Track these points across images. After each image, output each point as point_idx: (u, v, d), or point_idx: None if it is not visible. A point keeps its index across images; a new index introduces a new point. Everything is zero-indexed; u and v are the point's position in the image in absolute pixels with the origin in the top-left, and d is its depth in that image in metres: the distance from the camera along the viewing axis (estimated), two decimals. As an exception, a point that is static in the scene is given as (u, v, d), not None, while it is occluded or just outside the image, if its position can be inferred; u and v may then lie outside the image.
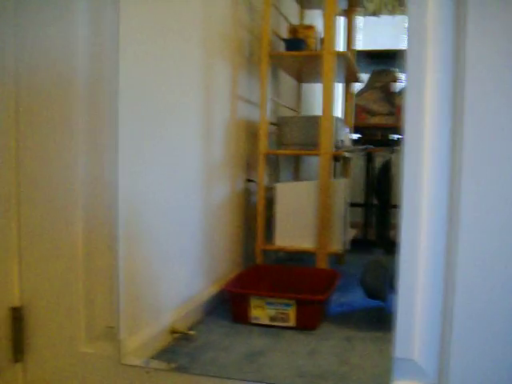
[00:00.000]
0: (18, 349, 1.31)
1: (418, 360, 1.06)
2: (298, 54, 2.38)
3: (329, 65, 2.25)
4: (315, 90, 3.57)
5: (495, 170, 0.97)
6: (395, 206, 2.53)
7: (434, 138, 1.02)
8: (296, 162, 3.20)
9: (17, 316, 1.29)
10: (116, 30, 1.20)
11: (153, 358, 1.52)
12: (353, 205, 2.86)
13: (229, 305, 1.92)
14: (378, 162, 3.32)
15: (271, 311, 1.80)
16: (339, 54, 2.34)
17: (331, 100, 2.27)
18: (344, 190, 2.36)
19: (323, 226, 2.27)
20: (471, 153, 0.98)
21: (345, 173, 3.03)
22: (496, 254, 0.99)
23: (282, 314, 1.79)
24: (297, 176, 3.18)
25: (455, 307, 1.01)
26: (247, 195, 2.46)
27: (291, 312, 1.78)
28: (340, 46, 2.63)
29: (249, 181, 2.45)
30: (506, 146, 0.96)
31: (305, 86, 3.27)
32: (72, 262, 1.26)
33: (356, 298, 2.19)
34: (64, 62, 1.21)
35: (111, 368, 1.28)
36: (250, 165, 2.46)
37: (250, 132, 2.44)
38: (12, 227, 1.28)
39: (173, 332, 1.66)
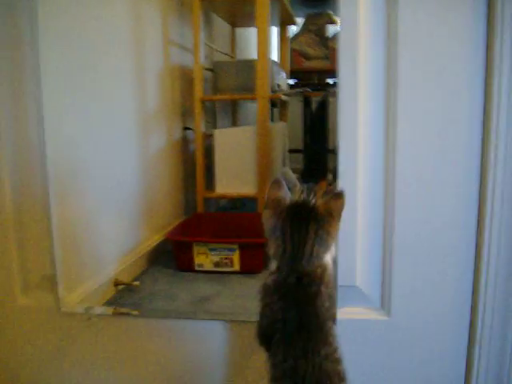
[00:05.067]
0: None
1: (361, 286, 1.09)
2: (231, -3, 2.32)
3: (263, 8, 2.20)
4: (250, 35, 3.50)
5: (428, 108, 0.99)
6: (331, 151, 2.55)
7: (368, 79, 1.02)
8: (233, 108, 3.16)
9: None
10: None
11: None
12: (291, 151, 2.87)
13: (172, 253, 1.91)
14: (315, 106, 3.32)
15: (215, 257, 1.80)
16: (273, -4, 2.29)
17: (266, 43, 2.24)
18: (282, 133, 2.36)
19: (263, 170, 2.27)
20: (405, 92, 0.99)
21: (282, 117, 3.02)
22: (431, 189, 1.02)
23: (226, 259, 1.79)
24: (235, 122, 3.15)
25: (395, 236, 1.04)
26: (185, 143, 2.42)
27: (235, 257, 1.79)
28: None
29: (186, 129, 2.40)
30: (437, 83, 0.98)
31: (239, 30, 3.20)
32: (2, 214, 1.21)
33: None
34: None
35: (51, 317, 1.26)
36: (186, 112, 2.41)
37: (185, 79, 2.38)
38: None
39: (117, 284, 1.64)
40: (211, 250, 1.79)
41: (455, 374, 1.10)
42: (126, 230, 1.78)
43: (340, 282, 1.06)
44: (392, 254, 1.05)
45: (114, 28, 1.68)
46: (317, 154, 2.18)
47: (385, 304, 1.08)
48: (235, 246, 1.78)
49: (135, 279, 1.74)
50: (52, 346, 1.27)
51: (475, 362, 1.06)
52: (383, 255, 1.07)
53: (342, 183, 1.05)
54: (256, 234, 2.05)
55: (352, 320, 1.09)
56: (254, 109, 2.41)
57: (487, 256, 1.01)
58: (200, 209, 2.36)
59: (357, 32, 1.01)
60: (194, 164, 2.40)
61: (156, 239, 2.02)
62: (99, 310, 1.30)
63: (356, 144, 1.04)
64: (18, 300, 1.25)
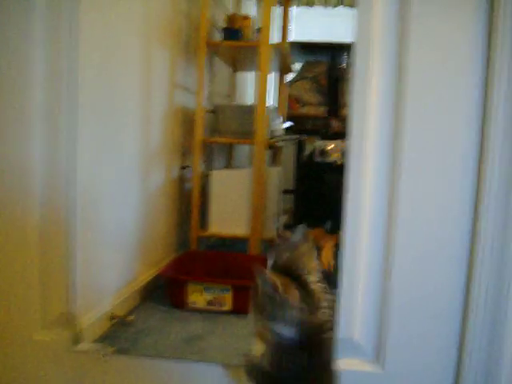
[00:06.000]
0: None
1: (359, 339, 1.16)
2: (235, 44, 2.42)
3: (265, 56, 2.30)
4: (248, 79, 3.62)
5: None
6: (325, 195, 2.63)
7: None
8: (229, 150, 3.25)
9: None
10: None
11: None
12: (284, 191, 2.95)
13: (165, 290, 1.96)
14: (308, 149, 3.42)
15: (208, 296, 1.85)
16: (275, 46, 2.40)
17: (266, 90, 2.33)
18: (277, 177, 2.44)
19: (256, 212, 2.34)
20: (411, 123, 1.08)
21: (276, 160, 3.11)
22: (430, 246, 1.10)
23: (219, 298, 1.85)
24: (229, 163, 3.23)
25: (392, 292, 1.12)
26: (182, 182, 2.49)
27: (228, 297, 1.84)
28: (275, 36, 2.68)
29: (183, 168, 2.48)
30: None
31: (238, 74, 3.32)
32: (27, 250, 1.27)
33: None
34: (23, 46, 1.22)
35: (65, 353, 1.31)
36: (184, 152, 2.49)
37: (186, 120, 2.47)
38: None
39: (112, 318, 1.68)
40: (205, 289, 1.85)
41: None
42: (122, 263, 1.83)
43: (339, 334, 1.13)
44: (388, 312, 1.13)
45: (127, 70, 1.76)
46: (311, 197, 2.26)
47: (380, 357, 1.14)
48: (229, 287, 1.83)
49: (129, 313, 1.78)
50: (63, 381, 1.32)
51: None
52: (380, 313, 1.15)
53: (345, 233, 1.13)
54: (247, 275, 2.11)
55: (349, 372, 1.15)
56: (249, 150, 2.49)
57: (473, 320, 1.09)
58: (193, 246, 2.41)
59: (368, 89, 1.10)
60: (188, 203, 2.47)
61: (149, 274, 2.07)
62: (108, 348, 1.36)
63: (362, 202, 1.12)
64: (34, 335, 1.31)
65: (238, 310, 1.84)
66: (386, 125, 1.10)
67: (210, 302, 1.85)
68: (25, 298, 1.29)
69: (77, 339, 1.33)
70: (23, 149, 1.25)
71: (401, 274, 1.11)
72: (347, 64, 3.41)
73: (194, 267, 2.17)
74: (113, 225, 1.71)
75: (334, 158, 3.02)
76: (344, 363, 1.15)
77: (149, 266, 2.09)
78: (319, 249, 1.91)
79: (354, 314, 1.14)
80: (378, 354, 1.15)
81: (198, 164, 2.40)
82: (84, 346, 1.34)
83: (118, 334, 1.62)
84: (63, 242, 1.28)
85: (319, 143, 3.14)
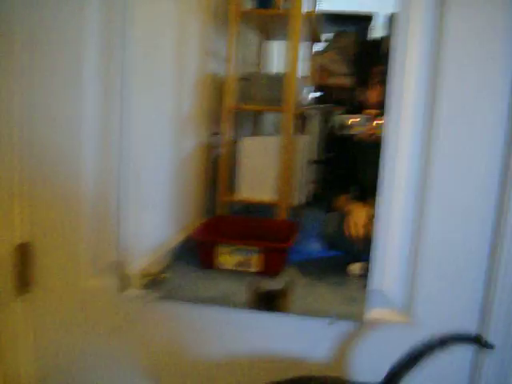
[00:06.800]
0: (25, 282, 1.42)
1: (389, 290, 1.23)
2: (267, 12, 2.44)
3: (296, 24, 2.32)
4: (275, 48, 3.63)
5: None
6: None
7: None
8: (256, 117, 3.28)
9: (24, 251, 1.40)
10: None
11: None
12: (312, 162, 2.98)
13: (195, 251, 2.03)
14: (335, 120, 3.43)
15: (237, 258, 1.92)
16: (306, 15, 2.41)
17: (297, 59, 2.36)
18: (305, 146, 2.48)
19: (284, 179, 2.39)
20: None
21: (304, 130, 3.14)
22: (461, 203, 1.18)
23: (248, 260, 1.91)
24: (258, 131, 3.27)
25: (424, 246, 1.20)
26: (211, 149, 2.54)
27: (256, 258, 1.90)
28: (305, 5, 2.69)
29: (214, 134, 2.53)
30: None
31: (266, 42, 3.33)
32: (81, 201, 1.38)
33: (315, 247, 2.33)
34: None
35: (113, 300, 1.41)
36: (214, 119, 2.53)
37: (216, 86, 2.51)
38: (16, 167, 1.37)
39: (145, 275, 1.75)
40: (235, 250, 1.91)
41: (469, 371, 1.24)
42: (156, 224, 1.90)
43: (371, 286, 1.20)
44: (419, 265, 1.21)
45: (162, 38, 1.80)
46: (338, 167, 2.29)
47: (408, 308, 1.21)
48: (258, 249, 1.90)
49: (162, 272, 1.85)
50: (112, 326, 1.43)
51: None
52: (411, 266, 1.22)
53: (381, 190, 1.18)
54: (275, 239, 2.18)
55: (379, 323, 1.23)
56: (277, 119, 2.52)
57: (498, 274, 1.16)
58: (220, 212, 2.48)
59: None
60: (216, 169, 2.52)
61: (181, 237, 2.14)
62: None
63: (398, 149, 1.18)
64: (85, 282, 1.42)
65: (266, 271, 1.91)
66: (423, 93, 1.16)
67: (238, 264, 1.92)
68: (78, 246, 1.39)
69: (124, 286, 1.42)
70: (78, 108, 1.33)
71: (433, 229, 1.18)
72: (385, 36, 3.40)
73: (223, 230, 2.23)
74: (150, 186, 1.77)
75: (360, 129, 3.04)
76: (374, 314, 1.22)
77: (180, 228, 2.16)
78: (347, 214, 1.95)
79: (386, 267, 1.21)
80: (407, 305, 1.22)
81: (227, 131, 2.45)
82: (131, 292, 1.43)
83: (151, 292, 1.69)
84: (114, 194, 1.36)
85: (345, 115, 3.16)
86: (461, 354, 1.24)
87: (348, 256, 2.04)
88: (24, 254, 1.41)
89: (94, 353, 1.48)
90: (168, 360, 1.47)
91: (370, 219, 1.85)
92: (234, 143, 2.54)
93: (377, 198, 1.20)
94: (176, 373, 1.45)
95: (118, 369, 1.49)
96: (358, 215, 1.92)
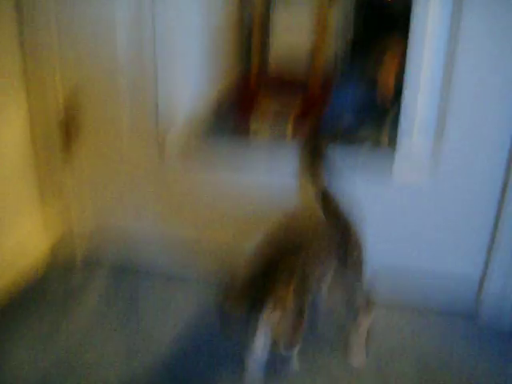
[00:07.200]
0: (71, 153, 1.62)
1: (416, 150, 1.35)
2: None
3: None
4: None
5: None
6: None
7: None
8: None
9: (69, 125, 1.58)
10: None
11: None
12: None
13: (228, 117, 2.13)
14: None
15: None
16: None
17: None
18: (337, 15, 2.46)
19: (317, 50, 2.39)
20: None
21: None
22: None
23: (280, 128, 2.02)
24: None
25: (451, 104, 1.29)
26: (243, 20, 2.54)
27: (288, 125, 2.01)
28: None
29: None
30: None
31: None
32: (118, 76, 1.53)
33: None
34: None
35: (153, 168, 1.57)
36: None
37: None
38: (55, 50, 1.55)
39: (183, 144, 1.85)
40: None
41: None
42: (191, 93, 1.97)
43: (398, 147, 1.34)
44: (445, 126, 1.29)
45: None
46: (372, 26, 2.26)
47: (433, 168, 1.33)
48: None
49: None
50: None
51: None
52: (438, 124, 1.31)
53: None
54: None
55: (405, 182, 1.36)
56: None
57: None
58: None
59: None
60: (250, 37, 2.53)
61: (218, 97, 2.23)
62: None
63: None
64: (128, 152, 1.62)
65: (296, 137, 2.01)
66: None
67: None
68: (119, 118, 1.56)
69: (164, 155, 1.58)
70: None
71: (459, 93, 1.27)
72: None
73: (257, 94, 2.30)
74: (185, 53, 1.84)
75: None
76: (401, 174, 1.34)
77: (215, 95, 2.24)
78: (382, 64, 1.97)
79: (414, 125, 1.31)
80: (433, 166, 1.33)
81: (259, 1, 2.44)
82: (170, 161, 1.59)
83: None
84: (151, 63, 1.49)
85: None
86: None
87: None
88: (69, 128, 1.55)
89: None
90: (210, 215, 1.64)
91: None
92: (268, 14, 2.53)
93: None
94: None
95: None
96: (390, 70, 1.90)
